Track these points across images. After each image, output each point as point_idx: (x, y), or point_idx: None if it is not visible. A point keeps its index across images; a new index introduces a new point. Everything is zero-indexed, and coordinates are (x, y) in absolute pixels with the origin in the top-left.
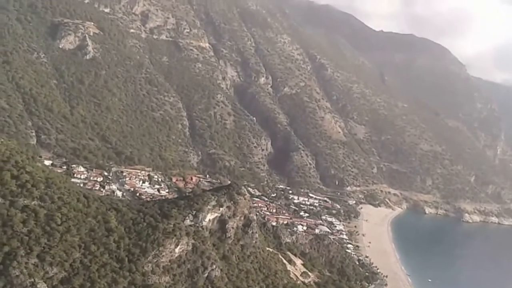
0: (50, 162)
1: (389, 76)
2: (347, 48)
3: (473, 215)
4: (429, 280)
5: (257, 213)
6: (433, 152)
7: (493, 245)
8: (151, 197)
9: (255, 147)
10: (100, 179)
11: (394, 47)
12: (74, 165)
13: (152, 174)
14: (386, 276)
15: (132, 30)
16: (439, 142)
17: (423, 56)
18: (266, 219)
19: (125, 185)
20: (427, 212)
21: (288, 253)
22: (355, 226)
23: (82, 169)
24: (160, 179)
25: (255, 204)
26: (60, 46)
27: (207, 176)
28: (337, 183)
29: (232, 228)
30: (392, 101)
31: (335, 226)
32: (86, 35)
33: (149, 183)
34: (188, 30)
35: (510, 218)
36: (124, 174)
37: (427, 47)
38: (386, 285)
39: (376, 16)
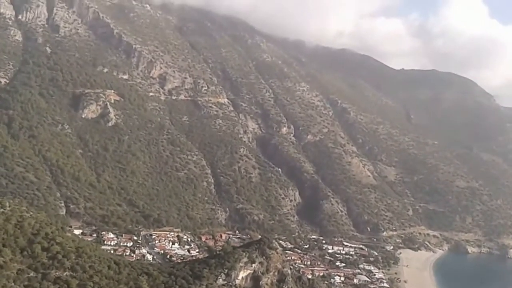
0: (80, 231)
1: (415, 114)
2: (369, 89)
3: None
4: None
5: (291, 267)
6: (470, 189)
7: None
8: (182, 258)
9: (283, 198)
10: (130, 244)
11: (417, 84)
12: (104, 232)
13: (181, 234)
14: None
15: (151, 94)
16: (475, 178)
17: (449, 91)
18: (301, 272)
19: (155, 248)
20: (470, 252)
21: None
22: (396, 273)
23: (111, 235)
24: (189, 239)
25: (288, 257)
26: (83, 116)
27: (237, 232)
28: (369, 229)
29: (266, 284)
30: (421, 139)
31: (375, 275)
32: (107, 103)
33: (179, 244)
34: (206, 88)
35: None
36: (153, 237)
37: (452, 81)
38: None
39: (395, 55)
